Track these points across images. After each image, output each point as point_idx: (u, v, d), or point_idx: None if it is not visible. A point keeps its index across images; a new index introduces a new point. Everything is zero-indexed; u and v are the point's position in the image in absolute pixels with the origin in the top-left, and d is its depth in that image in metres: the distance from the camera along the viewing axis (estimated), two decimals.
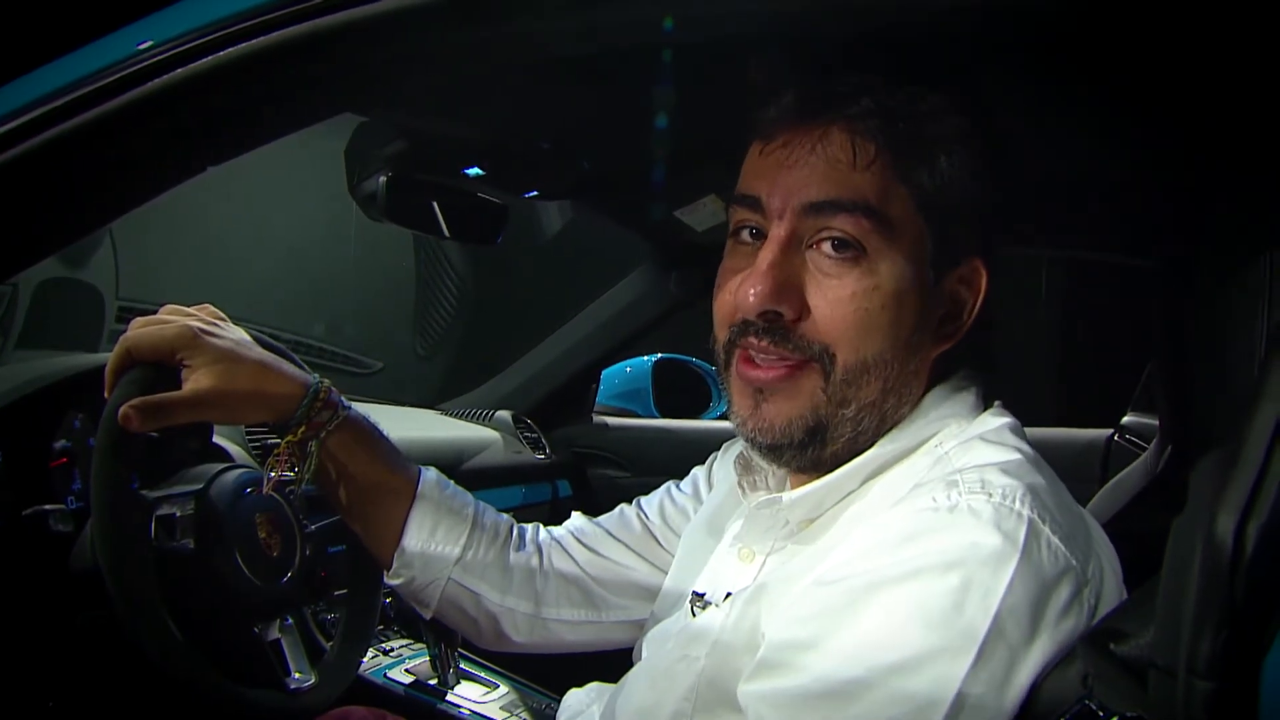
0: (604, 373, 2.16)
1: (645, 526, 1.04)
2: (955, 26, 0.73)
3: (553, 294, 2.42)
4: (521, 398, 2.05)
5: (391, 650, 1.36)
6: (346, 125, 1.24)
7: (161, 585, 0.81)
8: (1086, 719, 0.58)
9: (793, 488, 0.82)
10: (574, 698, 1.01)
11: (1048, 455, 0.77)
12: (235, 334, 0.89)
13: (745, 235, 0.79)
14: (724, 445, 1.04)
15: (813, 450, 0.78)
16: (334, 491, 0.94)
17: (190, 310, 0.89)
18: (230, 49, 0.70)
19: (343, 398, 0.92)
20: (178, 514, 0.87)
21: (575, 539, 1.05)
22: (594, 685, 1.00)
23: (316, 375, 0.92)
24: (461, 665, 1.29)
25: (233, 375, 0.84)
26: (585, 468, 2.08)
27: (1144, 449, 1.74)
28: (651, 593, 0.99)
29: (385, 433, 0.98)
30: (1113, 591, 0.70)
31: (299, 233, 3.45)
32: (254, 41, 0.70)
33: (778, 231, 0.76)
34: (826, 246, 0.75)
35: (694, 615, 0.86)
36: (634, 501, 1.08)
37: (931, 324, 0.78)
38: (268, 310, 2.93)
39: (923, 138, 0.75)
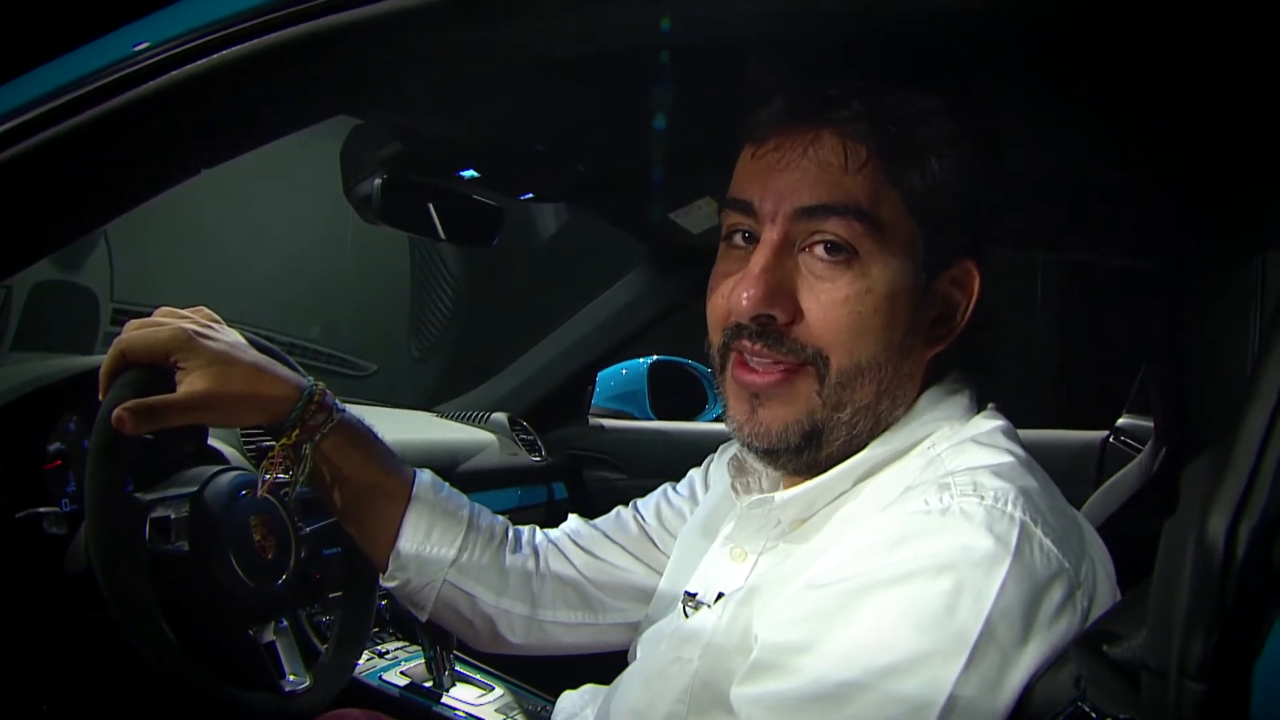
0: (600, 375, 2.16)
1: (641, 529, 1.05)
2: (951, 29, 0.73)
3: (548, 296, 2.42)
4: (517, 400, 2.05)
5: (387, 652, 1.35)
6: (342, 127, 1.24)
7: (156, 588, 0.81)
8: None
9: (785, 489, 0.82)
10: (568, 700, 1.01)
11: (1043, 457, 0.77)
12: (230, 336, 0.89)
13: (738, 239, 0.79)
14: (720, 447, 1.04)
15: (808, 454, 0.78)
16: (329, 494, 0.94)
17: (185, 312, 0.89)
18: (227, 50, 0.70)
19: (337, 400, 0.92)
20: (172, 516, 0.87)
21: (571, 541, 1.05)
22: (588, 687, 1.00)
23: (311, 378, 0.92)
24: (457, 668, 1.29)
25: (227, 378, 0.84)
26: (581, 470, 2.08)
27: (1139, 451, 1.74)
28: (648, 595, 1.00)
29: (380, 435, 0.98)
30: (1106, 594, 0.71)
31: (294, 235, 3.44)
32: (250, 43, 0.70)
33: (770, 235, 0.76)
34: (819, 250, 0.75)
35: (686, 616, 0.86)
36: (630, 504, 1.08)
37: (924, 326, 0.79)
38: (263, 312, 2.92)
39: (913, 141, 0.75)
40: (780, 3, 0.71)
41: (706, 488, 1.04)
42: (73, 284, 2.86)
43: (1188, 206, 1.01)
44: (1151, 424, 1.70)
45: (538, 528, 1.07)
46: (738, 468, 0.89)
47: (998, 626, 0.63)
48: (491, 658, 1.23)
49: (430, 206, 1.29)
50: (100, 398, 0.82)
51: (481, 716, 1.26)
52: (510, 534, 1.03)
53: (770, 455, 0.80)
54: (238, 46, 0.70)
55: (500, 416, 1.97)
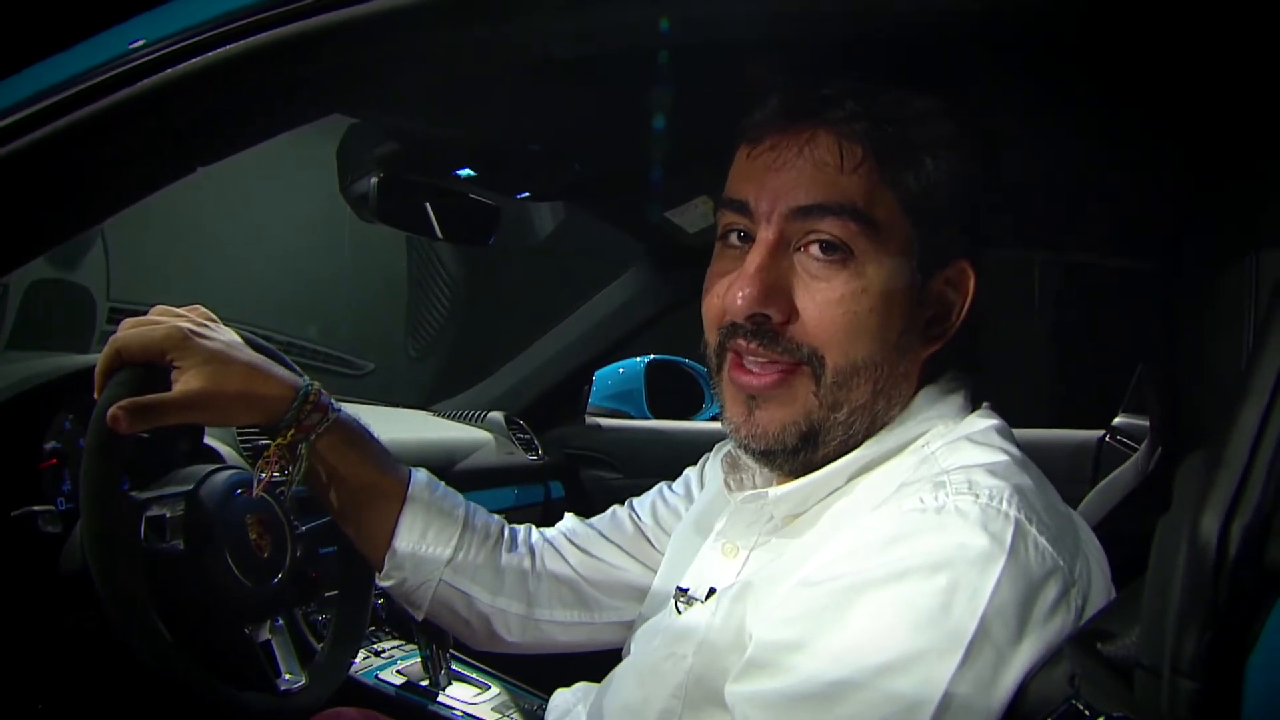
0: (597, 374, 2.16)
1: (637, 527, 1.05)
2: (950, 30, 0.73)
3: (545, 295, 2.42)
4: (514, 399, 2.05)
5: (383, 651, 1.35)
6: (339, 126, 1.24)
7: (151, 586, 0.81)
8: (1073, 719, 0.58)
9: (779, 484, 0.82)
10: (561, 698, 1.02)
11: (1039, 456, 0.77)
12: (225, 335, 0.89)
13: (733, 238, 0.80)
14: (716, 446, 1.04)
15: (805, 454, 0.79)
16: (325, 493, 0.94)
17: (180, 311, 0.89)
18: (223, 48, 0.70)
19: (332, 400, 0.92)
20: (168, 515, 0.87)
21: (568, 540, 1.05)
22: (581, 685, 1.01)
23: (307, 377, 0.92)
24: (453, 666, 1.29)
25: (222, 377, 0.84)
26: (578, 469, 2.08)
27: (1135, 450, 1.74)
28: (644, 593, 1.00)
29: (377, 434, 0.98)
30: (1100, 592, 0.71)
31: (291, 234, 3.44)
32: (246, 41, 0.70)
33: (765, 235, 0.76)
34: (814, 249, 0.75)
35: (679, 611, 0.86)
36: (626, 503, 1.08)
37: (919, 326, 0.79)
38: (260, 311, 2.92)
39: (909, 141, 0.75)
40: (780, 3, 0.72)
41: (702, 486, 1.04)
42: (69, 282, 2.86)
43: (1183, 207, 1.01)
44: (1147, 423, 1.70)
45: (534, 527, 1.07)
46: (731, 464, 0.89)
47: (993, 625, 0.63)
48: (488, 656, 1.23)
49: (427, 205, 1.29)
50: (95, 396, 0.82)
51: (478, 715, 1.26)
52: (506, 533, 1.03)
53: (767, 456, 0.80)
54: (233, 44, 0.70)
55: (497, 415, 1.97)
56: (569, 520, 1.08)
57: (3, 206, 0.73)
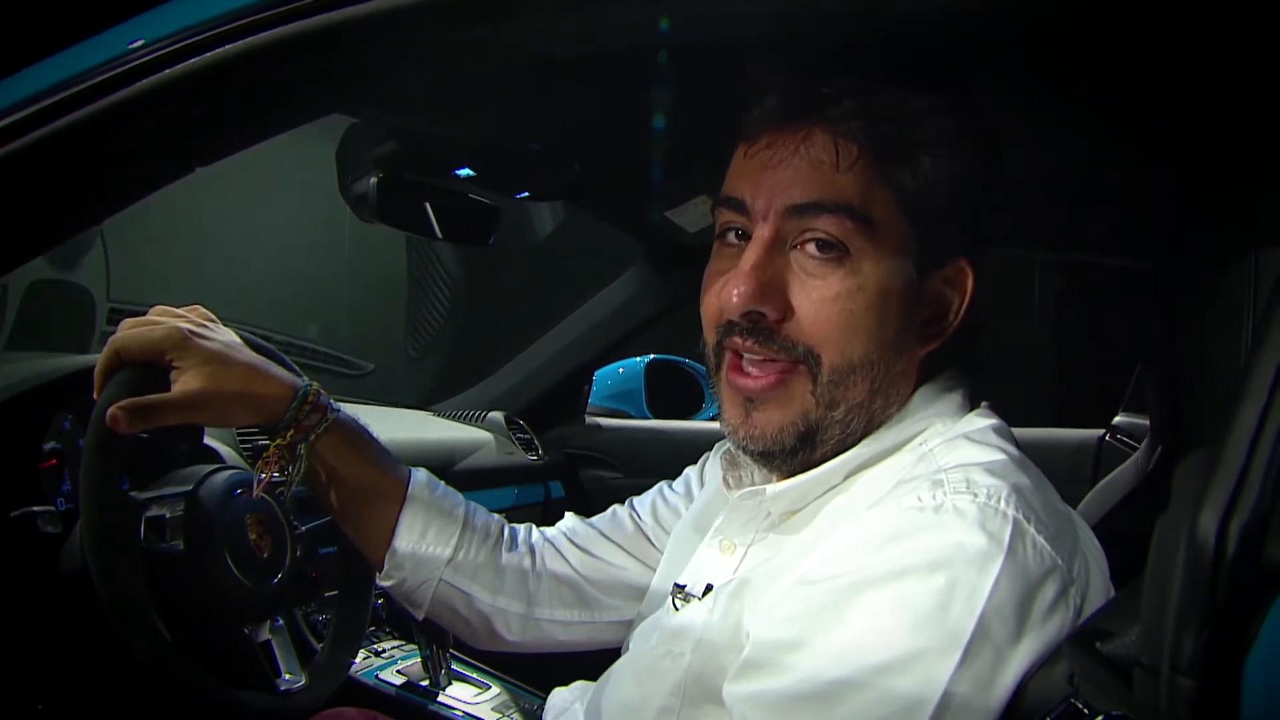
0: (597, 374, 2.16)
1: (637, 526, 1.05)
2: (951, 30, 0.73)
3: (545, 295, 2.42)
4: (514, 399, 2.05)
5: (383, 651, 1.35)
6: (339, 126, 1.24)
7: (151, 586, 0.81)
8: (1072, 718, 0.58)
9: (776, 481, 0.82)
10: (558, 696, 1.02)
11: (1039, 455, 0.77)
12: (225, 336, 0.89)
13: (731, 237, 0.80)
14: (716, 445, 1.04)
15: (803, 454, 0.79)
16: (325, 494, 0.94)
17: (180, 312, 0.89)
18: (222, 48, 0.70)
19: (331, 400, 0.92)
20: (167, 515, 0.87)
21: (568, 540, 1.05)
22: (578, 683, 1.01)
23: (306, 378, 0.92)
24: (453, 666, 1.29)
25: (221, 377, 0.84)
26: (578, 469, 2.08)
27: (1135, 449, 1.74)
28: (644, 592, 1.00)
29: (377, 434, 0.98)
30: (1099, 590, 0.71)
31: (291, 234, 3.44)
32: (246, 41, 0.70)
33: (761, 233, 0.76)
34: (810, 247, 0.75)
35: (675, 608, 0.86)
36: (626, 502, 1.08)
37: (917, 324, 0.79)
38: (260, 311, 2.92)
39: (905, 139, 0.75)
40: (780, 2, 0.72)
41: (702, 484, 1.04)
42: (69, 283, 2.87)
43: (1183, 206, 1.01)
44: (1147, 422, 1.70)
45: (534, 526, 1.07)
46: (730, 462, 0.89)
47: (991, 624, 0.63)
48: (487, 655, 1.23)
49: (427, 205, 1.29)
50: (95, 396, 0.82)
51: (478, 715, 1.26)
52: (506, 532, 1.03)
53: (765, 458, 0.81)
54: (232, 44, 0.70)
55: (497, 415, 1.97)
56: (569, 519, 1.08)
57: (2, 206, 0.73)
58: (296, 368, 0.94)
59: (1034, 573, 0.65)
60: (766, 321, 0.76)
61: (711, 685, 0.75)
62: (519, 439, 1.96)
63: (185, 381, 0.83)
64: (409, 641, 1.37)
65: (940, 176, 0.75)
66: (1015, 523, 0.66)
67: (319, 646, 1.00)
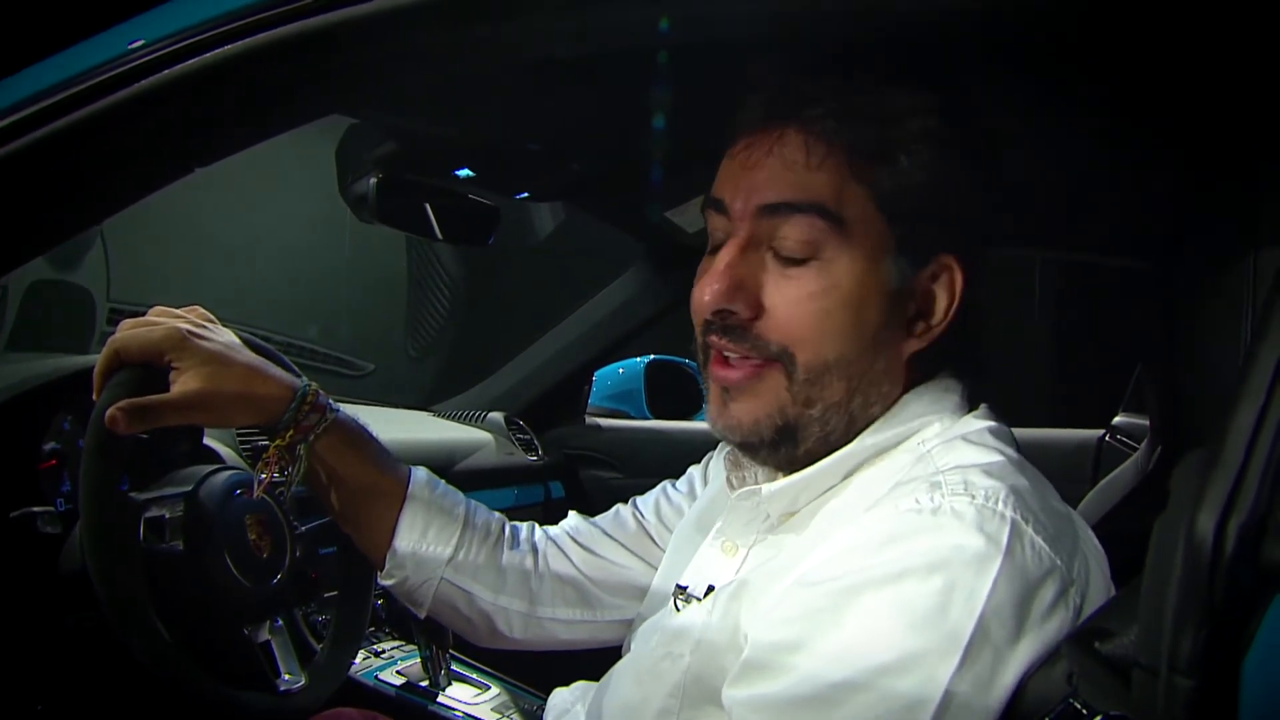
0: (597, 374, 2.16)
1: (641, 525, 1.05)
2: (952, 30, 0.73)
3: (545, 295, 2.42)
4: (513, 399, 2.05)
5: (383, 652, 1.35)
6: (339, 126, 1.24)
7: (150, 587, 0.81)
8: (1071, 718, 0.58)
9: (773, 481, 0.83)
10: (559, 697, 1.02)
11: (1039, 456, 0.77)
12: (224, 336, 0.89)
13: (718, 237, 0.81)
14: (720, 445, 1.05)
15: (785, 449, 0.79)
16: (325, 494, 0.94)
17: (179, 312, 0.89)
18: (222, 48, 0.70)
19: (331, 400, 0.92)
20: (167, 515, 0.87)
21: (571, 539, 1.05)
22: (579, 684, 1.01)
23: (305, 378, 0.92)
24: (453, 667, 1.29)
25: (220, 378, 0.84)
26: (577, 469, 2.08)
27: (1135, 449, 1.74)
28: (647, 592, 1.00)
29: (377, 435, 0.98)
30: (1100, 591, 0.71)
31: (291, 235, 3.45)
32: (245, 41, 0.70)
33: (738, 233, 0.77)
34: (783, 247, 0.76)
35: (677, 609, 0.86)
36: (630, 500, 1.08)
37: (901, 323, 0.78)
38: (260, 312, 2.92)
39: (883, 138, 0.75)
40: (780, 2, 0.72)
41: (705, 483, 1.04)
42: (69, 283, 2.87)
43: (1183, 206, 1.01)
44: (1147, 422, 1.70)
45: (536, 525, 1.07)
46: (733, 462, 0.89)
47: (990, 625, 0.63)
48: (488, 656, 1.23)
49: (426, 206, 1.29)
50: (94, 397, 0.82)
51: (478, 716, 1.26)
52: (507, 530, 1.03)
53: (747, 449, 0.81)
54: (232, 44, 0.70)
55: (497, 416, 1.97)
56: (573, 518, 1.08)
57: (2, 206, 0.73)
58: (295, 368, 0.94)
59: (1032, 574, 0.65)
60: (738, 319, 0.77)
61: (711, 687, 0.75)
62: (519, 439, 1.96)
63: (184, 382, 0.83)
64: (409, 642, 1.37)
65: (920, 175, 0.75)
66: (1013, 524, 0.66)
67: (319, 647, 1.00)
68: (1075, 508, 0.79)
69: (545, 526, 1.07)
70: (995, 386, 0.84)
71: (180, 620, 0.83)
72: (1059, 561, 0.67)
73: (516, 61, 0.90)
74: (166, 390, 0.83)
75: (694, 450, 1.10)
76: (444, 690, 1.26)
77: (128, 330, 0.85)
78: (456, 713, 1.26)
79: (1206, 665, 0.49)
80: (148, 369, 0.84)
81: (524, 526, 1.06)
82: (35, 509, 0.88)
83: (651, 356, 2.52)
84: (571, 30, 0.74)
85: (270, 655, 0.91)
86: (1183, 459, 0.57)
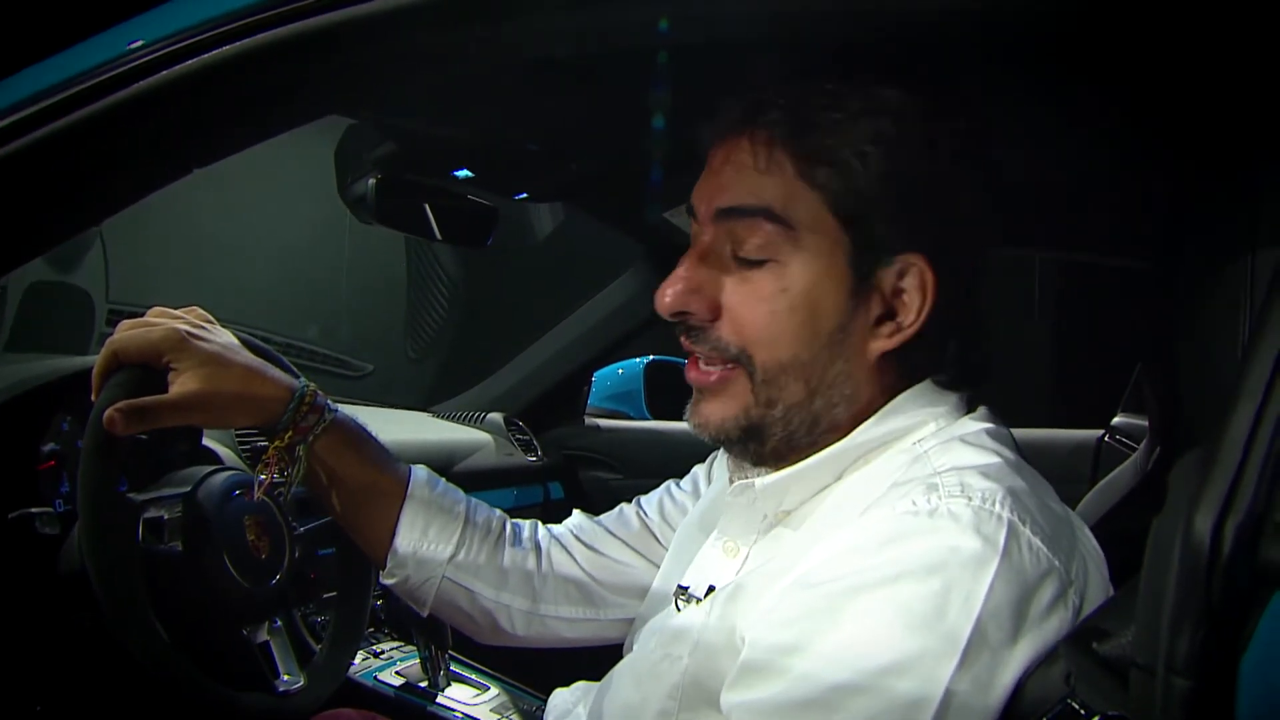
0: (596, 374, 2.16)
1: (644, 524, 1.05)
2: (951, 30, 0.73)
3: (544, 296, 2.42)
4: (513, 400, 2.05)
5: (382, 652, 1.35)
6: (339, 126, 1.24)
7: (149, 588, 0.81)
8: (1069, 718, 0.58)
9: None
10: (560, 697, 1.02)
11: (1038, 456, 0.77)
12: (222, 337, 0.89)
13: (693, 241, 0.83)
14: None
15: (752, 446, 0.81)
16: (325, 494, 0.94)
17: (178, 313, 0.89)
18: (221, 49, 0.70)
19: (329, 401, 0.92)
20: (165, 516, 0.87)
21: (575, 537, 1.05)
22: (580, 684, 1.01)
23: (303, 379, 0.92)
24: (452, 667, 1.29)
25: (218, 379, 0.84)
26: (577, 470, 2.08)
27: (1134, 450, 1.74)
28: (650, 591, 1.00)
29: (376, 435, 0.98)
30: (1099, 591, 0.71)
31: (290, 236, 3.45)
32: (245, 41, 0.70)
33: (700, 238, 0.80)
34: (738, 250, 0.78)
35: (678, 609, 0.86)
36: (634, 500, 1.08)
37: (863, 324, 0.77)
38: (259, 313, 2.92)
39: (833, 141, 0.74)
40: (780, 2, 0.72)
41: (709, 483, 1.04)
42: (68, 284, 2.87)
43: (1181, 206, 1.01)
44: (1146, 423, 1.70)
45: (539, 523, 1.07)
46: (737, 463, 0.89)
47: (988, 627, 0.63)
48: (487, 656, 1.23)
49: (425, 207, 1.29)
50: (93, 398, 0.82)
51: (477, 716, 1.26)
52: (509, 528, 1.03)
53: (722, 445, 0.84)
54: (232, 45, 0.70)
55: (496, 416, 1.97)
56: (576, 516, 1.08)
57: (2, 206, 0.73)
58: (294, 369, 0.94)
59: (1030, 575, 0.65)
60: (695, 321, 0.79)
61: (709, 688, 0.75)
62: (518, 440, 1.96)
63: (183, 383, 0.83)
64: (408, 642, 1.37)
65: (873, 176, 0.74)
66: (1010, 525, 0.66)
67: (317, 647, 1.00)
68: (1074, 508, 0.79)
69: (549, 525, 1.07)
70: (994, 387, 0.84)
71: (179, 621, 0.83)
72: (1057, 562, 0.67)
73: (516, 61, 0.90)
74: (165, 391, 0.83)
75: (693, 451, 1.09)
76: (443, 691, 1.26)
77: (126, 331, 0.85)
78: (456, 713, 1.26)
79: (1204, 665, 0.49)
80: (146, 370, 0.84)
81: (526, 524, 1.06)
82: (34, 510, 0.88)
83: (651, 357, 2.52)
84: (571, 30, 0.74)
85: (269, 656, 0.91)
86: (1180, 460, 0.57)
